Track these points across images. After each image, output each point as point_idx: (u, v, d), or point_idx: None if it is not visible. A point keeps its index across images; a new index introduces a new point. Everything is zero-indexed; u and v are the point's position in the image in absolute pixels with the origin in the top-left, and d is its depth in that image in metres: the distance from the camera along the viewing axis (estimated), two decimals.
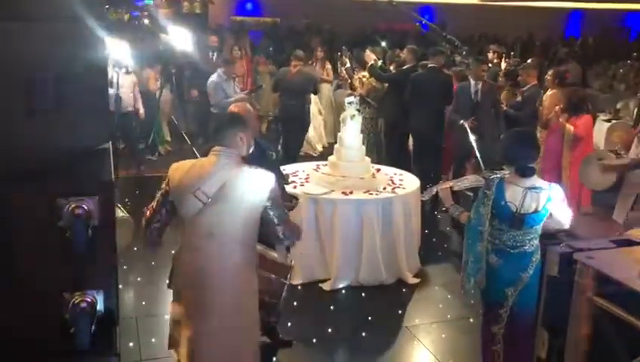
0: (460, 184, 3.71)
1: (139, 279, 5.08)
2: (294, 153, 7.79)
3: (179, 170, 2.88)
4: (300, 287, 5.02)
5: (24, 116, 1.82)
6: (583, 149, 5.84)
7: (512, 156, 3.35)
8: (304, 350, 4.30)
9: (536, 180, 3.33)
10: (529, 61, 7.44)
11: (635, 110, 7.72)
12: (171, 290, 3.25)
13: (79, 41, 1.97)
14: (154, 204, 2.94)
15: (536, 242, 3.37)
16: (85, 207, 1.85)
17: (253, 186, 2.82)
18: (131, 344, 4.11)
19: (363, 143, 5.90)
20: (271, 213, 2.87)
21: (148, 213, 2.96)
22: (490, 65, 8.47)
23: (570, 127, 5.81)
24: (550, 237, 3.40)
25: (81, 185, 1.90)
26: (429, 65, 7.08)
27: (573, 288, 3.11)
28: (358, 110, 5.83)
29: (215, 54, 9.16)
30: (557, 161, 5.90)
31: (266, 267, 3.23)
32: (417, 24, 9.53)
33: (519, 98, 6.81)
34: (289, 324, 4.37)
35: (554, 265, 3.22)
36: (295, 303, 4.69)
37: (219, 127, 2.96)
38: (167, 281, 3.36)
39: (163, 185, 2.93)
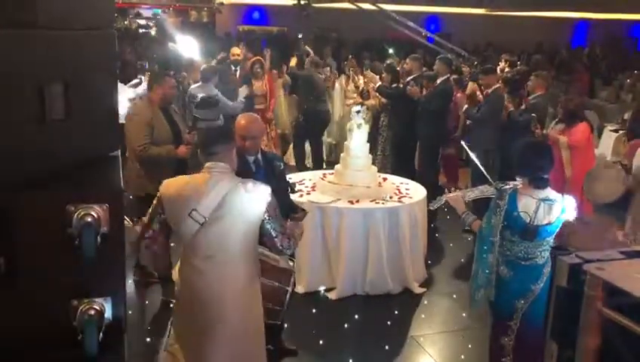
0: (470, 194, 3.67)
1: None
2: None
3: (171, 188, 2.82)
4: (305, 296, 5.01)
5: (35, 124, 1.82)
6: (582, 158, 5.74)
7: (525, 167, 3.31)
8: (309, 359, 4.29)
9: (549, 192, 3.30)
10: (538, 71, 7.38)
11: None
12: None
13: (90, 49, 1.98)
14: (146, 219, 2.92)
15: (547, 254, 3.34)
16: (95, 214, 1.84)
17: (249, 201, 2.77)
18: (137, 351, 4.10)
19: (379, 150, 5.85)
20: (268, 226, 2.84)
21: (139, 228, 2.94)
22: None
23: (563, 139, 5.71)
24: (559, 247, 3.37)
25: (90, 192, 1.89)
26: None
27: (583, 299, 3.07)
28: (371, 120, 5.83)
29: (238, 68, 8.31)
30: (559, 173, 5.81)
31: (268, 273, 3.22)
32: (423, 35, 9.53)
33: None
34: (294, 333, 4.36)
35: (563, 275, 3.19)
36: (300, 312, 4.67)
37: (209, 142, 2.87)
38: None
39: (155, 202, 2.88)
